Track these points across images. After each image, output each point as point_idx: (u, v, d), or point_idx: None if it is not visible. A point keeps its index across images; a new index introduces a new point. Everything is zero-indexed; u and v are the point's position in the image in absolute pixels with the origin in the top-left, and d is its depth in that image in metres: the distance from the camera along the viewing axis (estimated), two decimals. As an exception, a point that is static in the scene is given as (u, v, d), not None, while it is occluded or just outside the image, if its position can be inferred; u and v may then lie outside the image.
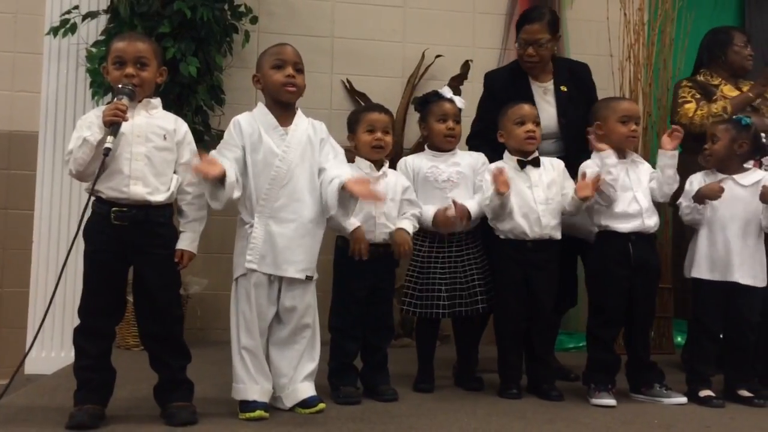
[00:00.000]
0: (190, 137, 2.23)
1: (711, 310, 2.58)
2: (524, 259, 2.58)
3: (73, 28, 3.35)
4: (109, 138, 2.00)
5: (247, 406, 2.16)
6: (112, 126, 2.01)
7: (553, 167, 2.66)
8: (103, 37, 3.36)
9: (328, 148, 2.34)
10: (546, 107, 2.91)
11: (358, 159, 2.57)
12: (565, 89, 2.94)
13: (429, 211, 2.60)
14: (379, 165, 2.57)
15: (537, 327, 2.62)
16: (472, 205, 2.60)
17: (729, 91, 3.29)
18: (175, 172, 2.16)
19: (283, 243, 2.21)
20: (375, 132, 2.54)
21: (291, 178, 2.24)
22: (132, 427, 2.01)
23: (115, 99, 2.08)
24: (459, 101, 2.70)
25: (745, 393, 2.55)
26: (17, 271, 3.52)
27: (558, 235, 2.61)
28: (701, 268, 2.60)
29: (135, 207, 2.07)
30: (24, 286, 3.47)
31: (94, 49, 3.35)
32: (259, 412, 2.14)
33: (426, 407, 2.37)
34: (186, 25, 3.25)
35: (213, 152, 2.22)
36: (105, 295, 2.08)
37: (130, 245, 2.07)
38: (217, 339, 2.40)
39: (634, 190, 2.58)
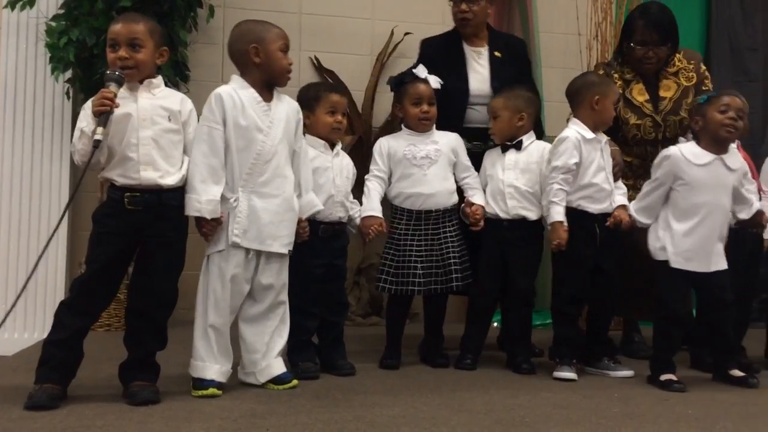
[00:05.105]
0: (194, 115, 2.20)
1: (682, 295, 2.48)
2: (501, 237, 2.65)
3: (32, 2, 3.25)
4: (99, 129, 1.96)
5: (201, 383, 2.16)
6: (101, 116, 1.97)
7: (537, 152, 2.68)
8: (62, 11, 3.27)
9: (300, 133, 2.36)
10: (479, 70, 2.93)
11: (310, 137, 2.54)
12: (500, 55, 2.95)
13: (364, 211, 2.59)
14: (332, 144, 2.57)
15: (511, 304, 2.69)
16: (483, 201, 2.68)
17: (638, 93, 2.94)
18: (184, 153, 2.14)
19: (268, 218, 2.21)
20: (336, 114, 2.54)
21: (275, 153, 2.23)
22: (93, 407, 1.99)
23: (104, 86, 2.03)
24: (434, 81, 2.68)
25: (737, 373, 2.50)
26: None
27: (532, 216, 2.64)
28: (688, 259, 2.44)
29: (147, 191, 2.05)
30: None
31: (53, 23, 3.27)
32: (212, 390, 2.14)
33: (391, 383, 2.38)
34: (148, -2, 3.18)
35: (202, 129, 2.16)
36: (106, 277, 2.07)
37: (143, 229, 2.06)
38: (183, 319, 2.39)
39: (606, 171, 2.60)
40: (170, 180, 2.08)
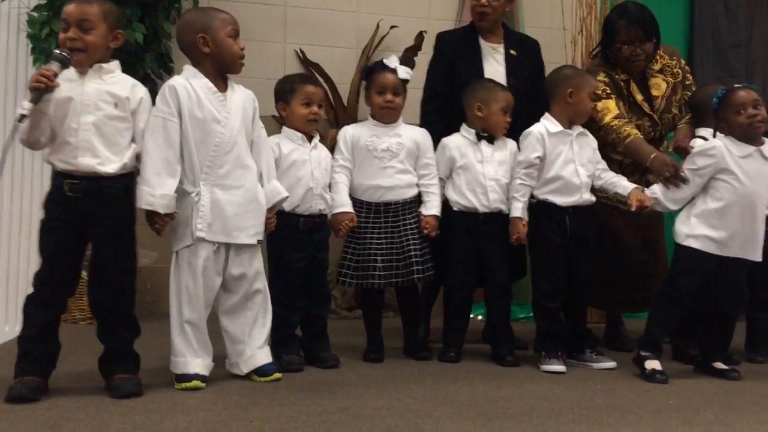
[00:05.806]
0: (146, 103, 2.14)
1: (696, 282, 2.46)
2: (476, 231, 2.65)
3: (13, -8, 3.22)
4: (26, 104, 1.91)
5: (184, 376, 2.15)
6: (35, 92, 1.92)
7: (506, 146, 2.69)
8: (44, 2, 3.23)
9: (258, 122, 2.33)
10: (495, 66, 2.92)
11: (287, 130, 2.53)
12: (515, 53, 2.96)
13: (335, 207, 2.57)
14: (309, 136, 2.55)
15: (491, 296, 2.69)
16: (437, 209, 2.64)
17: (636, 92, 2.92)
18: (133, 141, 2.10)
19: (232, 210, 2.19)
20: (311, 105, 2.52)
21: (234, 144, 2.21)
22: (74, 399, 1.97)
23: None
24: (403, 71, 2.65)
25: (720, 365, 2.51)
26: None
27: (507, 209, 2.64)
28: (720, 243, 2.44)
29: (86, 178, 2.01)
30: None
31: (35, 14, 3.23)
32: (195, 383, 2.13)
33: (375, 376, 2.38)
34: (132, -11, 3.15)
35: (157, 121, 2.12)
36: (60, 265, 2.04)
37: (86, 217, 2.03)
38: (167, 312, 2.39)
39: (576, 163, 2.60)
40: (110, 168, 2.03)
